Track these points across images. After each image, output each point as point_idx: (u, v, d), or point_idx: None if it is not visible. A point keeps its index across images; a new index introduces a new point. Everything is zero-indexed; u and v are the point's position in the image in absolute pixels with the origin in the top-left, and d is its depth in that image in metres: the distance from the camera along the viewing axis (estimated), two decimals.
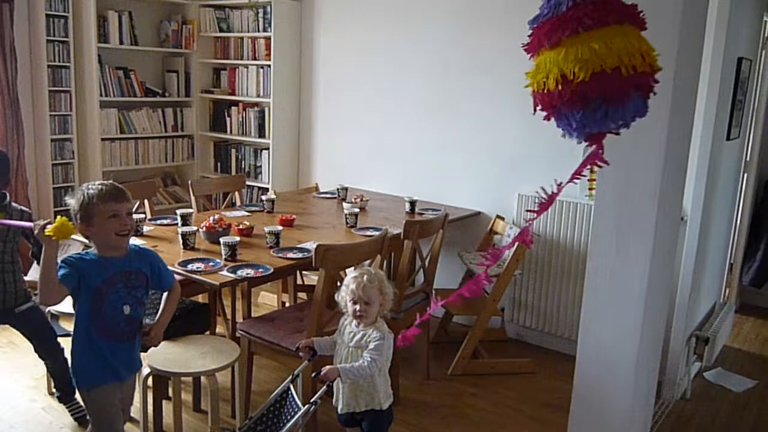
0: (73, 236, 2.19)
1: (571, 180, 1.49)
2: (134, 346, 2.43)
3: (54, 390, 3.37)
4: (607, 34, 1.36)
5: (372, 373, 2.47)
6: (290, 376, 2.46)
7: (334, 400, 2.64)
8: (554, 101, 1.40)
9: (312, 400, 2.29)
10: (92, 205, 2.21)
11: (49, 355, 3.20)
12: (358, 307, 2.50)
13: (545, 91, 1.41)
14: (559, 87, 1.38)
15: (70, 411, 3.26)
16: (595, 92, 1.35)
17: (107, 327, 2.29)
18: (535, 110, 1.46)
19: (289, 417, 2.30)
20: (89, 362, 2.33)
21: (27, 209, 3.17)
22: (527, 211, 1.52)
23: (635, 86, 1.36)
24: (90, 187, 2.26)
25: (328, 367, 2.41)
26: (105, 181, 2.31)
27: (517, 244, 1.64)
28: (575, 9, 1.37)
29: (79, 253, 2.28)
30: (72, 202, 2.26)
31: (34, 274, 3.56)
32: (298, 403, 2.33)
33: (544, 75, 1.41)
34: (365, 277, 2.50)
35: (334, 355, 2.62)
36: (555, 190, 1.47)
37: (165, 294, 2.55)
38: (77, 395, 3.30)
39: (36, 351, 3.21)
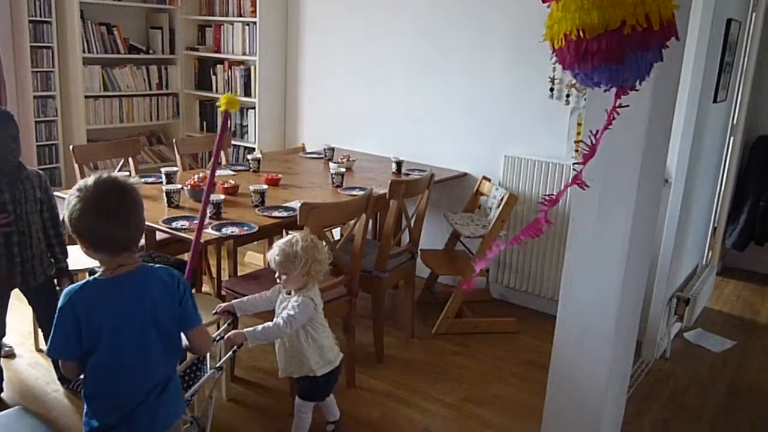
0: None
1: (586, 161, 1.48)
2: None
3: (57, 377, 3.16)
4: None
5: (281, 334, 2.44)
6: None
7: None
8: (566, 57, 1.38)
9: (216, 366, 2.20)
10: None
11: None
12: (276, 274, 2.51)
13: (561, 47, 1.37)
14: (565, 44, 1.35)
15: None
16: (596, 53, 1.31)
17: None
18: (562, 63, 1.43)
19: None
20: None
21: (39, 171, 2.91)
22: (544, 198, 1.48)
23: (633, 46, 1.31)
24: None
25: (234, 331, 2.37)
26: None
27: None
28: None
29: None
30: None
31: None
32: (207, 369, 2.25)
33: (557, 30, 1.36)
34: (281, 249, 2.46)
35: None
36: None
37: None
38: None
39: (38, 319, 3.11)
